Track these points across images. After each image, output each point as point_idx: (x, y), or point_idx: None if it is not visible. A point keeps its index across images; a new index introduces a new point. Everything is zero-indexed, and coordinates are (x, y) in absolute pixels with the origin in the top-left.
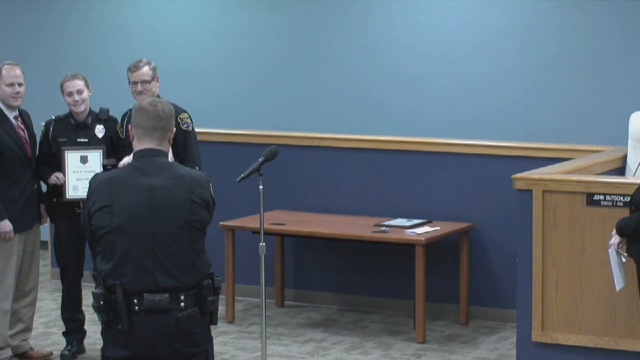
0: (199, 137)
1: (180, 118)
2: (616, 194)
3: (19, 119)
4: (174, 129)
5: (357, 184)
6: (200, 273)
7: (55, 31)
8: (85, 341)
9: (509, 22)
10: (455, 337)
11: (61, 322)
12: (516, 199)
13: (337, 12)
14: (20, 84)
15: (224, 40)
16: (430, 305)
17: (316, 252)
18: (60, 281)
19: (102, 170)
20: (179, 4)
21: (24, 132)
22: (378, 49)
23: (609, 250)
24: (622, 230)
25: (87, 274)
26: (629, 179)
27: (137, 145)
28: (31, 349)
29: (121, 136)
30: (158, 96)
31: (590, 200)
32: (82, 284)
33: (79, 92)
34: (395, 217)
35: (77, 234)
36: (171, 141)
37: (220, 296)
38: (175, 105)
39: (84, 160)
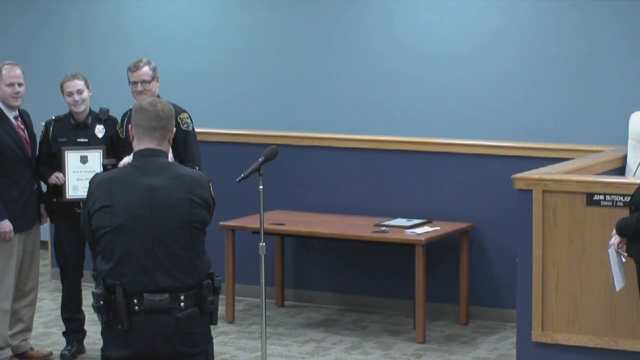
0: (199, 137)
1: (180, 118)
2: (616, 194)
3: (19, 119)
4: (174, 129)
5: (357, 184)
6: (200, 273)
7: (55, 31)
8: (85, 341)
9: (509, 22)
10: (455, 337)
11: (61, 322)
12: (516, 199)
13: (337, 12)
14: (20, 84)
15: (224, 40)
16: (430, 305)
17: (316, 252)
18: (60, 281)
19: (102, 170)
20: (179, 4)
21: (24, 132)
22: (378, 49)
23: (609, 250)
24: (622, 230)
25: (87, 274)
26: (629, 179)
27: (137, 145)
28: (31, 349)
29: (121, 136)
30: (158, 96)
31: (590, 200)
32: (82, 284)
33: (79, 92)
34: (395, 217)
35: (77, 234)
36: (171, 141)
37: (220, 296)
38: (175, 105)
39: (84, 160)
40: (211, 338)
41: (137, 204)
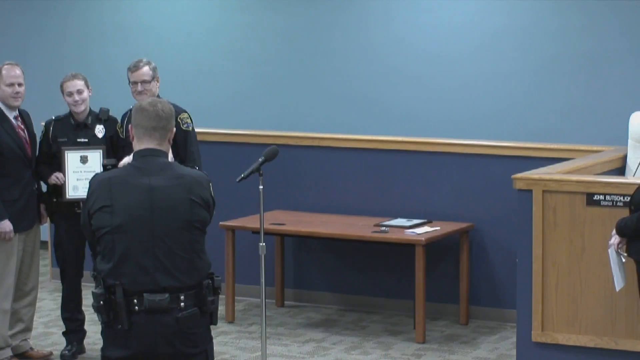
0: (199, 137)
1: (180, 118)
2: (616, 194)
3: (19, 119)
4: (174, 129)
5: (357, 184)
6: (200, 273)
7: (55, 31)
8: (85, 341)
9: (509, 22)
10: (455, 337)
11: (61, 322)
12: (516, 199)
13: (337, 12)
14: (20, 84)
15: (224, 40)
16: (430, 305)
17: (316, 252)
18: (60, 281)
19: (102, 170)
20: (179, 4)
21: (24, 132)
22: (378, 49)
23: (609, 250)
24: (622, 230)
25: (87, 274)
26: (629, 179)
27: (137, 145)
28: (31, 349)
29: (121, 136)
30: (158, 96)
31: (590, 200)
32: (82, 284)
33: (79, 92)
34: (395, 217)
35: (77, 234)
36: (171, 141)
37: (220, 296)
38: (175, 105)
39: (84, 160)
40: (211, 338)
41: (137, 204)
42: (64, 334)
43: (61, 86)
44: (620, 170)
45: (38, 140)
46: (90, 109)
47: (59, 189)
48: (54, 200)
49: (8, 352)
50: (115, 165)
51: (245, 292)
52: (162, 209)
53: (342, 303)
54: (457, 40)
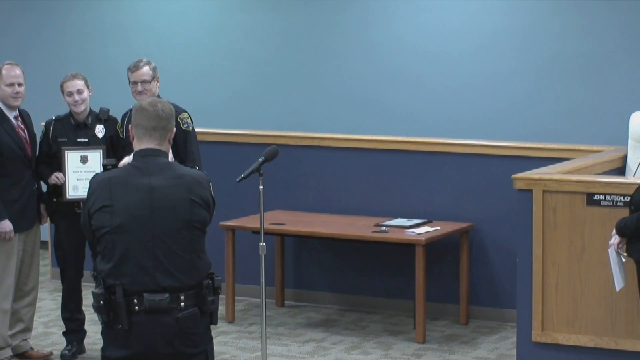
0: (199, 137)
1: (180, 118)
2: (616, 194)
3: (19, 119)
4: (174, 129)
5: (357, 184)
6: (200, 273)
7: (55, 31)
8: (85, 341)
9: (509, 22)
10: (455, 337)
11: (61, 322)
12: (516, 199)
13: (337, 12)
14: (20, 84)
15: (224, 40)
16: (430, 305)
17: (316, 252)
18: (60, 281)
19: (102, 170)
20: (179, 4)
21: (24, 132)
22: (378, 49)
23: (609, 250)
24: (622, 230)
25: (87, 274)
26: (629, 179)
27: (137, 145)
28: (31, 349)
29: (121, 136)
30: (158, 96)
31: (590, 200)
32: (82, 284)
33: (79, 92)
34: (395, 217)
35: (77, 234)
36: (171, 141)
37: (220, 296)
38: (175, 105)
39: (84, 160)
40: (211, 338)
41: (137, 204)
42: (64, 334)
43: (61, 86)
44: (620, 170)
45: (38, 140)
46: (90, 109)
47: (59, 189)
48: (54, 200)
49: (8, 352)
50: (115, 165)
51: (245, 292)
52: (162, 209)
53: (342, 303)
54: (457, 40)
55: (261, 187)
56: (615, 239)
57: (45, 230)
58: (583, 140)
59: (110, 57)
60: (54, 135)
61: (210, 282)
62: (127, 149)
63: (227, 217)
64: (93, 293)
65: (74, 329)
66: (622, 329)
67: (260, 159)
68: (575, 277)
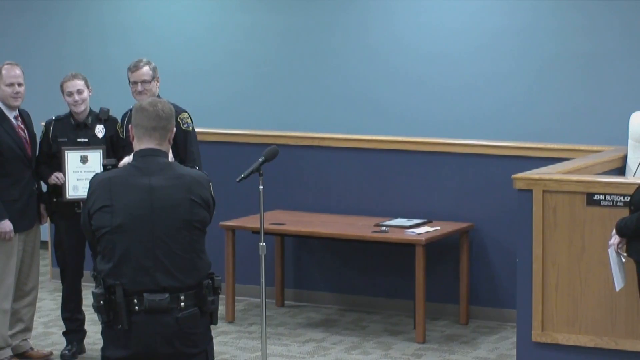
0: (199, 137)
1: (180, 118)
2: (616, 194)
3: (19, 119)
4: (174, 129)
5: (357, 184)
6: (200, 273)
7: (55, 31)
8: (85, 341)
9: (509, 22)
10: (455, 337)
11: (61, 322)
12: (516, 199)
13: (337, 12)
14: (20, 84)
15: (224, 40)
16: (430, 305)
17: (316, 252)
18: (60, 281)
19: (102, 170)
20: (179, 4)
21: (24, 132)
22: (378, 49)
23: (609, 250)
24: (622, 230)
25: (87, 274)
26: (629, 179)
27: (137, 145)
28: (31, 349)
29: (121, 136)
30: (158, 96)
31: (590, 200)
32: (82, 284)
33: (79, 92)
34: (395, 217)
35: (77, 234)
36: (171, 141)
37: (220, 296)
38: (175, 105)
39: (84, 160)
40: (211, 338)
41: (137, 204)
42: (64, 334)
43: (61, 86)
44: (620, 170)
45: (38, 140)
46: (90, 109)
47: (59, 189)
48: (54, 200)
49: (8, 352)
50: (115, 165)
51: (245, 292)
52: (162, 209)
53: (342, 303)
54: (457, 40)
55: (261, 187)
56: (615, 239)
57: (45, 230)
58: (583, 140)
59: (110, 57)
60: (54, 135)
61: (210, 282)
62: (127, 149)
63: (227, 217)
64: (93, 293)
65: (74, 329)
66: (622, 329)
67: (260, 159)
68: (575, 277)
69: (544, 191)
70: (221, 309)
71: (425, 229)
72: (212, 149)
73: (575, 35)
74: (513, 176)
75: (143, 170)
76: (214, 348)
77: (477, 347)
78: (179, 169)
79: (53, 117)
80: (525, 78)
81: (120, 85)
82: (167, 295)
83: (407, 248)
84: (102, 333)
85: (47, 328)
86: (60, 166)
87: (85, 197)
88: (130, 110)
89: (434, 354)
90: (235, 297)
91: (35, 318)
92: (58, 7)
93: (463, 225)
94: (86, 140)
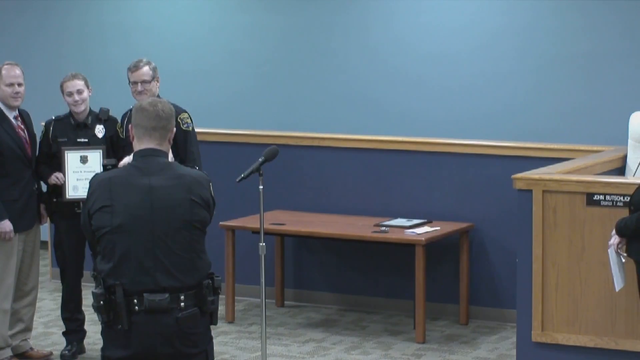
0: (199, 137)
1: (180, 118)
2: (616, 194)
3: (19, 118)
4: (174, 129)
5: (357, 184)
6: (200, 273)
7: (55, 31)
8: (85, 341)
9: (508, 22)
10: (455, 337)
11: (61, 322)
12: (516, 199)
13: (337, 12)
14: (20, 84)
15: (224, 40)
16: (430, 305)
17: (316, 252)
18: (60, 281)
19: (102, 170)
20: (179, 4)
21: (24, 132)
22: (378, 49)
23: (609, 250)
24: (622, 230)
25: (87, 274)
26: (629, 179)
27: (137, 145)
28: (31, 349)
29: (121, 136)
30: (158, 96)
31: (590, 200)
32: (82, 284)
33: (79, 92)
34: (395, 217)
35: (77, 234)
36: (171, 141)
37: (220, 296)
38: (175, 105)
39: (84, 160)
40: (211, 338)
41: (137, 204)
42: (64, 334)
43: (61, 86)
44: (620, 170)
45: (38, 140)
46: (90, 109)
47: (59, 189)
48: (54, 200)
49: (8, 352)
50: (115, 165)
51: (245, 292)
52: (162, 209)
53: (342, 303)
54: (457, 40)
55: (261, 187)
56: (615, 239)
57: (45, 230)
58: (583, 140)
59: (110, 57)
60: (54, 135)
61: (210, 282)
62: (127, 149)
63: (227, 217)
64: (93, 293)
65: (74, 329)
66: (622, 329)
67: (260, 159)
68: (575, 277)
69: (544, 191)
70: (221, 309)
71: (425, 229)
72: (212, 149)
73: (575, 35)
74: (513, 176)
75: (143, 170)
76: (214, 348)
77: (477, 347)
78: (179, 169)
79: (53, 117)
80: (525, 78)
81: (120, 85)
82: (167, 295)
83: (407, 248)
84: (102, 333)
85: (47, 328)
86: (60, 166)
87: (85, 197)
88: (130, 110)
89: (434, 354)
90: (235, 297)
91: (35, 318)
92: (58, 7)
93: (463, 225)
94: (86, 140)
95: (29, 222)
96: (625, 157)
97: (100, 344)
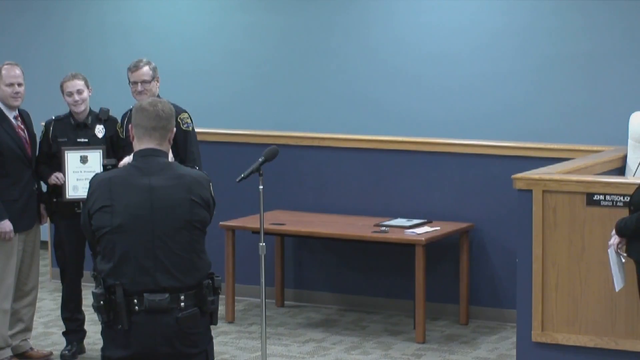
0: (199, 137)
1: (180, 118)
2: (616, 194)
3: (19, 118)
4: (174, 129)
5: (357, 184)
6: (200, 273)
7: (55, 31)
8: (85, 341)
9: (508, 22)
10: (455, 337)
11: (61, 322)
12: (516, 199)
13: (337, 12)
14: (20, 84)
15: (224, 40)
16: (430, 305)
17: (316, 252)
18: (60, 281)
19: (102, 170)
20: (179, 4)
21: (24, 132)
22: (378, 49)
23: (609, 250)
24: (622, 230)
25: (87, 274)
26: (629, 179)
27: (137, 145)
28: (31, 349)
29: (121, 136)
30: (158, 96)
31: (590, 200)
32: (82, 284)
33: (79, 92)
34: (395, 217)
35: (77, 234)
36: (171, 141)
37: (220, 296)
38: (175, 105)
39: (84, 160)
40: (211, 338)
41: (137, 204)
42: (64, 334)
43: (61, 86)
44: (620, 170)
45: (38, 140)
46: (90, 109)
47: (59, 189)
48: (54, 200)
49: (8, 352)
50: (115, 165)
51: (245, 292)
52: (162, 209)
53: (342, 303)
54: (457, 40)
55: (261, 187)
56: (615, 239)
57: (45, 230)
58: (583, 140)
59: (110, 57)
60: (54, 135)
61: (210, 282)
62: (127, 149)
63: (227, 217)
64: (93, 293)
65: (74, 329)
66: (622, 329)
67: (260, 159)
68: (575, 277)
69: (544, 191)
70: (221, 309)
71: (425, 229)
72: (212, 149)
73: (575, 35)
74: (513, 176)
75: (143, 170)
76: (214, 348)
77: (477, 347)
78: (179, 169)
79: (53, 117)
80: (525, 78)
81: (120, 85)
82: (167, 295)
83: (407, 248)
84: (102, 333)
85: (47, 328)
86: (60, 166)
87: (85, 197)
88: (130, 110)
89: (434, 354)
90: (235, 297)
91: (35, 318)
92: (58, 7)
93: (463, 225)
94: (86, 140)
95: (29, 222)
96: (625, 157)
97: (100, 344)
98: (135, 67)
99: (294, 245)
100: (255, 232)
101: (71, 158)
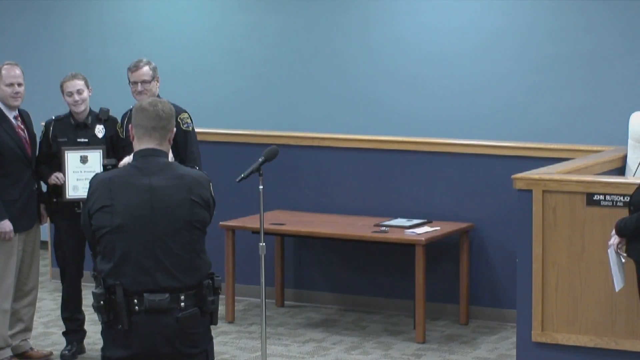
0: (199, 137)
1: (180, 118)
2: (616, 194)
3: (19, 118)
4: (174, 129)
5: (357, 184)
6: (200, 273)
7: (55, 31)
8: (85, 341)
9: (508, 22)
10: (455, 337)
11: (61, 322)
12: (516, 199)
13: (337, 12)
14: (19, 84)
15: (224, 40)
16: (430, 305)
17: (316, 252)
18: (60, 281)
19: (102, 170)
20: (179, 4)
21: (24, 132)
22: (378, 49)
23: (609, 250)
24: (622, 230)
25: (87, 274)
26: (629, 179)
27: (137, 145)
28: (31, 349)
29: (121, 136)
30: (158, 96)
31: (590, 200)
32: (82, 284)
33: (79, 92)
34: (395, 217)
35: (77, 234)
36: (171, 141)
37: (220, 296)
38: (175, 105)
39: (84, 160)
40: (211, 338)
41: (137, 204)
42: (64, 334)
43: (61, 86)
44: (620, 170)
45: (38, 140)
46: (90, 109)
47: (59, 189)
48: (54, 200)
49: (8, 352)
50: (115, 165)
51: (245, 292)
52: (163, 209)
53: (342, 303)
54: (457, 40)
55: (261, 187)
56: (614, 239)
57: (45, 230)
58: (583, 140)
59: (110, 57)
60: (54, 135)
61: (210, 282)
62: (127, 149)
63: (227, 217)
64: (93, 293)
65: (74, 329)
66: (622, 329)
67: (260, 159)
68: (575, 277)
69: (544, 191)
70: (221, 309)
71: (425, 229)
72: (212, 149)
73: (575, 35)
74: (513, 176)
75: (143, 170)
76: (214, 348)
77: (477, 347)
78: (179, 169)
79: (53, 117)
80: (525, 78)
81: (120, 85)
82: (167, 295)
83: (407, 248)
84: (102, 333)
85: (47, 328)
86: (60, 166)
87: (85, 197)
88: (130, 110)
89: (434, 354)
90: (235, 297)
91: (35, 318)
92: (58, 7)
93: (463, 225)
94: (86, 140)
95: (29, 222)
96: (625, 157)
97: (100, 344)
98: (135, 67)
99: (294, 245)
100: (255, 232)
101: (71, 158)
